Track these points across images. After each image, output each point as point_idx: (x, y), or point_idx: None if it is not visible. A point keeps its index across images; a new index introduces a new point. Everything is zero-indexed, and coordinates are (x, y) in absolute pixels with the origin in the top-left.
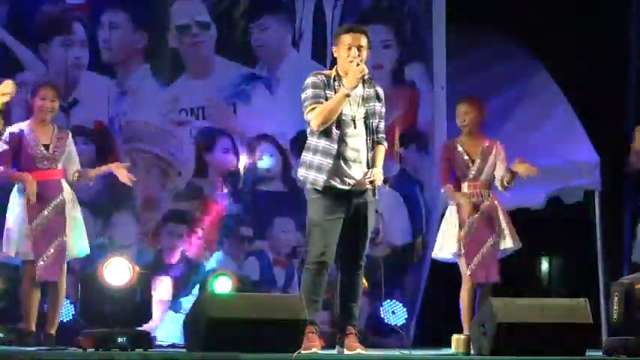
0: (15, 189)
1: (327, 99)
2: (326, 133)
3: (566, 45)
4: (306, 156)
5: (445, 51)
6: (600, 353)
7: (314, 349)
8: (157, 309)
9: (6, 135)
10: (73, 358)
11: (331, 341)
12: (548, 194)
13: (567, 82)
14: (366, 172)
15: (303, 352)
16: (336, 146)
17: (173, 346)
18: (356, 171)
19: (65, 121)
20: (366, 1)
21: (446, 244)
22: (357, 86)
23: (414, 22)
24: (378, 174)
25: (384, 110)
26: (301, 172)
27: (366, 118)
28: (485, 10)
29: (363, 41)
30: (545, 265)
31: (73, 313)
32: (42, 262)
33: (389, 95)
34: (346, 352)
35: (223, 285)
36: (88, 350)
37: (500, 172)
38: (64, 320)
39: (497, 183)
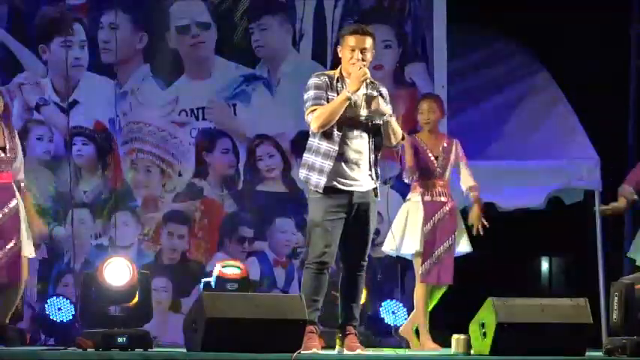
0: None
1: (328, 101)
2: (327, 135)
3: (566, 45)
4: (308, 157)
5: (445, 51)
6: (600, 353)
7: (314, 349)
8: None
9: None
10: (73, 358)
11: (331, 341)
12: (548, 194)
13: (567, 82)
14: (372, 179)
15: (303, 352)
16: (337, 148)
17: (173, 346)
18: (358, 173)
19: (65, 121)
20: (367, 1)
21: (409, 241)
22: (358, 90)
23: (415, 22)
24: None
25: (389, 107)
26: (303, 174)
27: (369, 119)
28: (486, 10)
29: (368, 43)
30: (545, 265)
31: (73, 313)
32: None
33: (390, 96)
34: (346, 352)
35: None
36: (88, 350)
37: (465, 176)
38: (64, 320)
39: (463, 187)
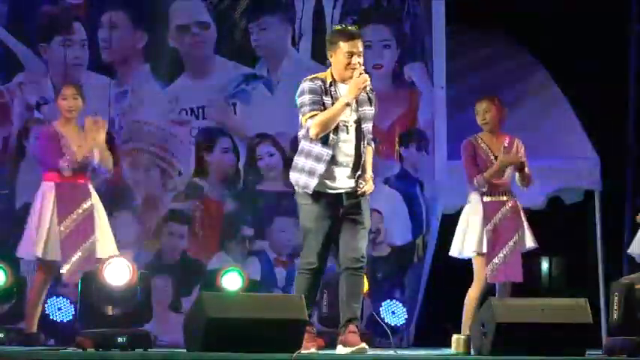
0: (41, 189)
1: (324, 105)
2: (322, 139)
3: (566, 45)
4: (299, 160)
5: (445, 51)
6: (600, 353)
7: (312, 349)
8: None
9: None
10: (73, 358)
11: (332, 341)
12: (548, 194)
13: (567, 82)
14: (358, 179)
15: (302, 352)
16: (330, 151)
17: (173, 346)
18: (346, 175)
19: None
20: (366, 0)
21: (470, 242)
22: (358, 96)
23: (414, 22)
24: (369, 183)
25: (374, 112)
26: (293, 176)
27: (359, 123)
28: (485, 10)
29: (361, 46)
30: (545, 265)
31: (73, 313)
32: (68, 266)
33: (389, 95)
34: (348, 348)
35: (233, 281)
36: (88, 350)
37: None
38: (64, 320)
39: (517, 181)
